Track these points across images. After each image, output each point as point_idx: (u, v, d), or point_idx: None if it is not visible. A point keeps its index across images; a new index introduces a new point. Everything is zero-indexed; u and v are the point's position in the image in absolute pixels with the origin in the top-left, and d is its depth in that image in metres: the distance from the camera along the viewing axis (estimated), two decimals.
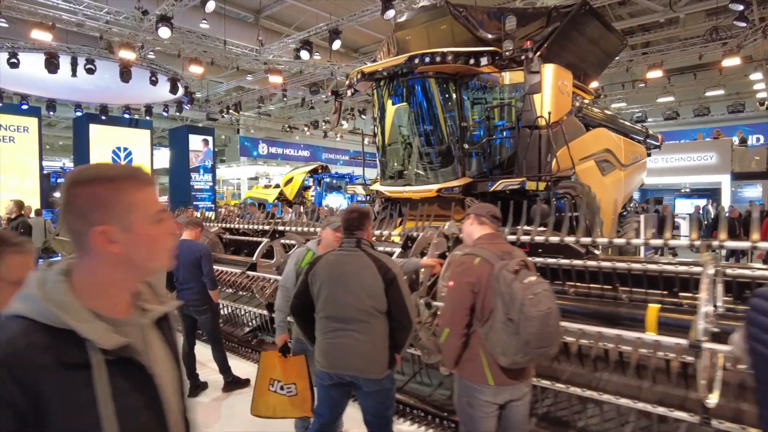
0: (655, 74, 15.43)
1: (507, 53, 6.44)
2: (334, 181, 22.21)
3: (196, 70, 14.25)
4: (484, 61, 6.43)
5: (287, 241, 6.34)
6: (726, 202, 17.60)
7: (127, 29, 13.41)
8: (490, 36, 7.15)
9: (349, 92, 7.93)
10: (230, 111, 22.10)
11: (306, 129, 27.15)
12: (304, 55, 14.30)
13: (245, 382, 4.84)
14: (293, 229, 5.62)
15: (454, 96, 6.88)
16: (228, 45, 14.47)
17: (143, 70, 15.78)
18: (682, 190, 23.72)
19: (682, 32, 15.23)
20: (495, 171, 6.98)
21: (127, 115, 21.51)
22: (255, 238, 6.74)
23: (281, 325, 3.55)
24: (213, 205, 24.24)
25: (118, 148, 21.84)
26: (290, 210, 19.39)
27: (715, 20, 14.03)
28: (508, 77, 7.19)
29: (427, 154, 7.09)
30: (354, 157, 24.57)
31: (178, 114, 23.18)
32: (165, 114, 21.54)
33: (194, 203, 22.61)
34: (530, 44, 6.23)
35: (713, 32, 13.96)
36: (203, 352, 5.00)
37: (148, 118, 21.76)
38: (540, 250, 4.43)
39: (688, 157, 19.08)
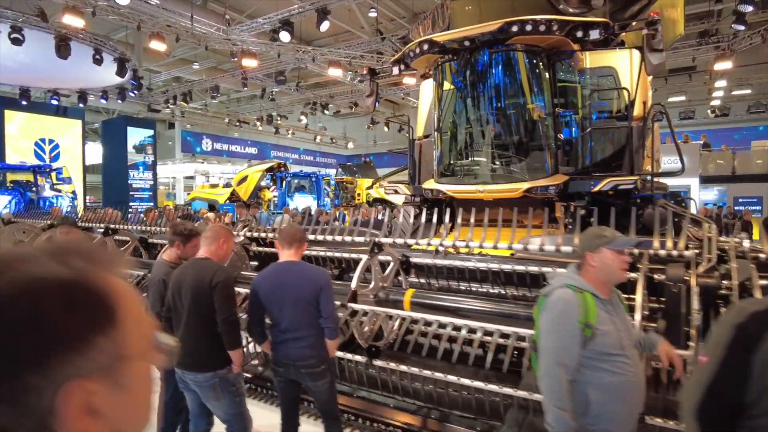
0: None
1: (617, 26, 5.38)
2: (299, 181, 20.41)
3: (158, 46, 12.06)
4: (594, 34, 5.30)
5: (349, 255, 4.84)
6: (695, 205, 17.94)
7: None
8: (571, 10, 6.08)
9: (396, 69, 6.52)
10: (177, 102, 19.56)
11: (258, 124, 24.95)
12: (284, 36, 12.60)
13: None
14: (395, 240, 4.14)
15: (546, 75, 5.71)
16: (194, 23, 12.42)
17: (85, 45, 13.26)
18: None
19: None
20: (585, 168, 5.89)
21: (54, 101, 18.39)
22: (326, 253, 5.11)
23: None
24: (153, 206, 21.59)
25: (42, 140, 18.75)
26: (247, 212, 17.47)
27: (706, 23, 14.01)
28: (588, 59, 6.21)
29: (510, 145, 5.85)
30: (396, 150, 22.95)
31: (104, 104, 20.29)
32: (103, 101, 18.63)
33: (131, 204, 19.93)
34: (657, 15, 5.19)
35: (705, 35, 13.92)
36: None
37: (81, 105, 18.75)
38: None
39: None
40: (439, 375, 3.67)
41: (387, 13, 15.16)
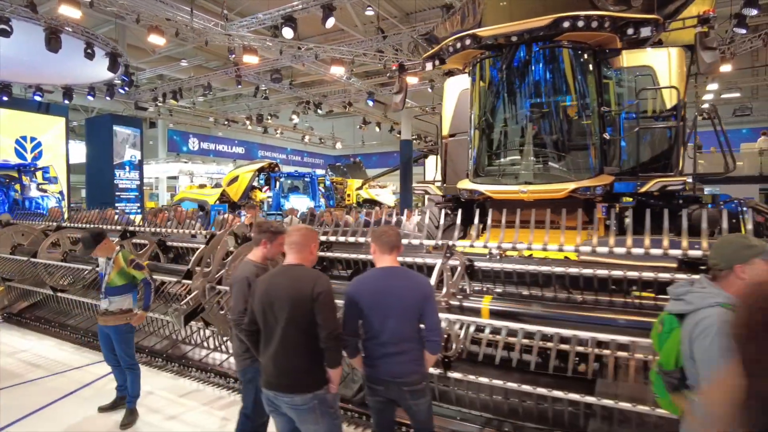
0: None
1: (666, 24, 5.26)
2: (292, 181, 20.01)
3: (156, 40, 11.57)
4: (646, 31, 5.17)
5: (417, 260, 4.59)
6: None
7: None
8: (610, 7, 5.96)
9: (429, 65, 6.31)
10: (167, 99, 18.94)
11: (248, 123, 24.41)
12: (287, 33, 12.26)
13: None
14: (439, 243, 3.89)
15: (592, 73, 5.57)
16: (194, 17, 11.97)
17: (74, 39, 12.66)
18: None
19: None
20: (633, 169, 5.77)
21: (38, 97, 17.60)
22: (349, 255, 4.87)
23: None
24: (139, 207, 20.90)
25: (24, 138, 17.93)
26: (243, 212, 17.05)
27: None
28: (625, 58, 6.11)
29: (554, 144, 5.68)
30: (427, 147, 22.55)
31: (90, 101, 19.51)
32: (90, 98, 17.89)
33: (116, 204, 19.24)
34: (713, 11, 5.09)
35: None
36: None
37: (66, 102, 17.99)
38: None
39: None
40: (512, 385, 3.47)
41: (380, 12, 14.91)
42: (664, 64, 6.10)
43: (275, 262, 3.32)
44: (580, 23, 5.05)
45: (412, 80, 14.82)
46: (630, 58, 6.11)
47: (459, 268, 3.92)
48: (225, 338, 4.89)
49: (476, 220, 4.54)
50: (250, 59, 12.76)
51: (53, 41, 11.88)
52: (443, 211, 7.05)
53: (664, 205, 5.22)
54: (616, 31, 5.20)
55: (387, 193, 28.94)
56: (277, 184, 19.36)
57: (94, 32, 13.35)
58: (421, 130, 31.15)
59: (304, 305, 2.48)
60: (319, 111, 21.23)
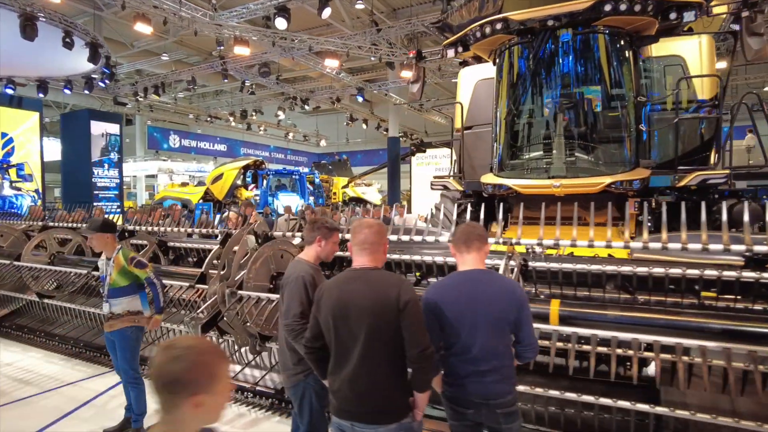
0: None
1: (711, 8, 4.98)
2: (280, 179, 19.44)
3: (143, 29, 10.91)
4: (689, 16, 4.89)
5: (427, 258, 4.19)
6: None
7: None
8: None
9: (450, 52, 5.94)
10: (148, 95, 18.13)
11: (231, 119, 23.68)
12: (280, 23, 11.74)
13: None
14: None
15: (629, 60, 5.27)
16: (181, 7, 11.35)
17: (52, 27, 11.90)
18: None
19: None
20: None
21: (10, 90, 16.63)
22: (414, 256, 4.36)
23: None
24: (119, 207, 20.04)
25: None
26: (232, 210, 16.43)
27: None
28: (653, 48, 5.85)
29: (588, 136, 5.36)
30: (413, 144, 22.80)
31: (67, 94, 18.57)
32: (67, 91, 16.99)
33: (95, 204, 18.38)
34: None
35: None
36: None
37: (41, 95, 17.04)
38: None
39: None
40: (588, 398, 3.13)
41: (368, 7, 14.48)
42: (694, 53, 5.87)
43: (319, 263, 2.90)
44: (623, 6, 4.74)
45: (406, 73, 14.42)
46: (657, 48, 5.85)
47: (515, 270, 3.55)
48: (243, 348, 4.42)
49: (499, 216, 4.22)
50: (241, 50, 12.17)
51: (29, 29, 11.12)
52: (457, 207, 6.69)
53: (705, 200, 5.04)
54: (658, 15, 4.91)
55: (373, 191, 28.57)
56: (265, 181, 18.74)
57: (73, 20, 12.60)
58: (407, 127, 30.86)
59: (388, 316, 2.06)
60: (306, 107, 20.69)
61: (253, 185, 19.99)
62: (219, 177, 20.86)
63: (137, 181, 31.39)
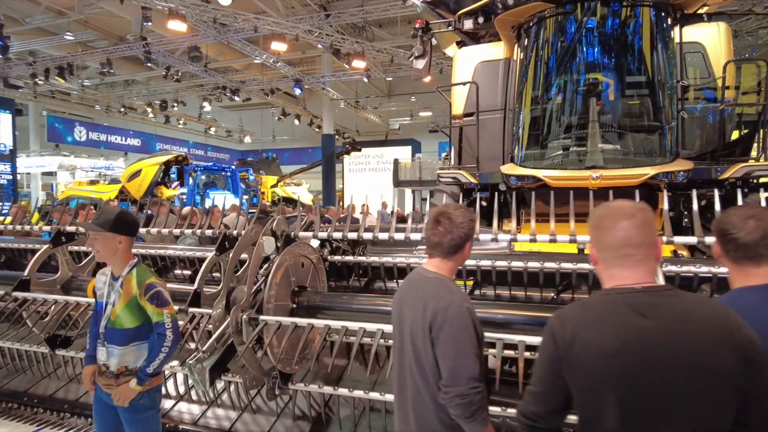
0: None
1: None
2: (209, 176, 17.65)
3: None
4: None
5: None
6: None
7: None
8: None
9: (468, 23, 5.15)
10: (51, 78, 15.56)
11: (149, 110, 21.30)
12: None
13: None
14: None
15: (673, 40, 4.77)
16: None
17: None
18: None
19: None
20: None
21: None
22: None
23: None
24: (9, 206, 17.16)
25: None
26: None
27: None
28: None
29: (628, 123, 4.80)
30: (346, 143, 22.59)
31: None
32: None
33: None
34: None
35: None
36: None
37: None
38: None
39: None
40: None
41: None
42: (713, 40, 5.56)
43: None
44: None
45: (359, 63, 13.47)
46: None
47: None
48: (252, 392, 3.29)
49: (513, 210, 3.50)
50: (175, 26, 10.51)
51: None
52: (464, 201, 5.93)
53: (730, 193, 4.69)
54: None
55: (303, 191, 27.29)
56: (192, 179, 16.89)
57: None
58: (339, 125, 29.82)
59: (727, 375, 1.17)
60: (236, 98, 18.99)
61: (177, 183, 18.04)
62: (136, 174, 18.61)
63: (32, 179, 27.52)
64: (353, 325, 2.60)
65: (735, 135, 5.42)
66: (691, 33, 5.53)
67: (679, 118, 4.78)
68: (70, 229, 3.94)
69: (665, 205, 3.57)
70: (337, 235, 3.16)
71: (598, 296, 1.39)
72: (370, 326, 2.57)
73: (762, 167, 4.63)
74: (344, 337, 2.65)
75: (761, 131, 4.87)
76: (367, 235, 3.05)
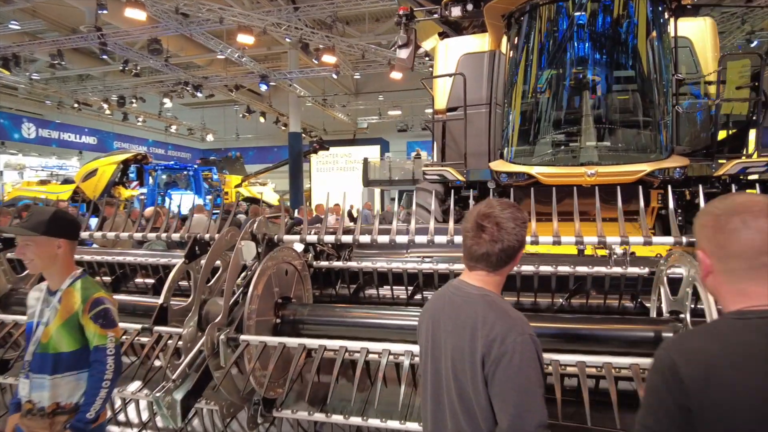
0: None
1: None
2: (169, 175, 16.83)
3: None
4: None
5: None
6: None
7: None
8: None
9: (456, 10, 4.85)
10: None
11: (105, 107, 20.19)
12: None
13: None
14: None
15: (668, 33, 4.60)
16: None
17: None
18: None
19: None
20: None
21: None
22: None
23: None
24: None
25: None
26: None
27: None
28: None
29: (624, 118, 4.61)
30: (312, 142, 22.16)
31: None
32: None
33: None
34: None
35: None
36: None
37: None
38: None
39: None
40: None
41: None
42: (699, 35, 5.47)
43: None
44: None
45: (329, 59, 13.02)
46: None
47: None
48: (227, 419, 2.86)
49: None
50: (134, 14, 9.78)
51: None
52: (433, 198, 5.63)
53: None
54: None
55: (269, 190, 26.58)
56: (152, 178, 16.06)
57: None
58: (305, 123, 29.21)
59: None
60: (199, 94, 18.19)
61: (136, 183, 17.14)
62: (92, 173, 17.60)
63: None
64: (353, 345, 2.22)
65: (723, 134, 5.33)
66: (678, 27, 5.41)
67: (674, 113, 4.62)
68: (9, 233, 3.40)
69: (671, 204, 3.35)
70: (329, 238, 2.76)
71: (729, 321, 1.07)
72: (374, 345, 2.20)
73: (757, 163, 4.52)
74: (344, 355, 2.27)
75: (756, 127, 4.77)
76: (365, 238, 2.67)
